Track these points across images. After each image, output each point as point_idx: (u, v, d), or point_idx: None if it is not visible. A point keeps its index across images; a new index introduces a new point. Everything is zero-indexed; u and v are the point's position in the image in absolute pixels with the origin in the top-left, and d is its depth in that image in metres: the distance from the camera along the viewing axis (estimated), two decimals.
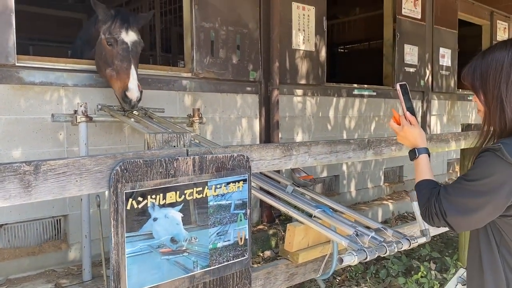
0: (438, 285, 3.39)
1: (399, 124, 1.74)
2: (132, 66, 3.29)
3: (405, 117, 1.72)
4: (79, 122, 3.13)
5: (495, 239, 1.48)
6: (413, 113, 1.73)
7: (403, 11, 6.57)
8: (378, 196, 6.45)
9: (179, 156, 1.56)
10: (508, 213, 1.40)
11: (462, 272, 2.05)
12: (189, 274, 1.62)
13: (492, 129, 1.54)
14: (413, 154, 1.68)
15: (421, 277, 3.46)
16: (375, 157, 2.40)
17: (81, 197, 3.20)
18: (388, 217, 5.54)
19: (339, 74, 11.47)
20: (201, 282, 1.65)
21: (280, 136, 4.95)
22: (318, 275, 2.11)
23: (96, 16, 3.57)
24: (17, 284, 3.20)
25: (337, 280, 3.76)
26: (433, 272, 3.48)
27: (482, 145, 1.57)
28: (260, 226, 4.77)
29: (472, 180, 1.41)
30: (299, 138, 5.31)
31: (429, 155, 1.68)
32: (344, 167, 5.96)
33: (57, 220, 3.58)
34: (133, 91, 3.24)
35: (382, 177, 6.51)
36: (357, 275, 3.80)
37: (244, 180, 1.76)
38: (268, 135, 4.85)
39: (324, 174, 5.70)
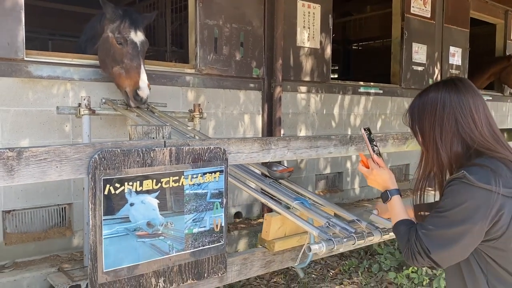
0: (428, 280, 3.45)
1: (367, 167, 1.77)
2: (142, 66, 3.45)
3: (373, 160, 1.76)
4: (82, 115, 3.28)
5: (481, 269, 1.45)
6: (379, 155, 1.78)
7: (412, 10, 6.57)
8: None
9: (156, 147, 1.68)
10: (490, 237, 1.40)
11: None
12: (165, 257, 1.74)
13: (429, 167, 1.58)
14: (386, 196, 1.70)
15: (412, 272, 3.53)
16: (357, 153, 2.48)
17: (84, 186, 3.36)
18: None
19: (353, 72, 11.47)
20: (177, 264, 1.77)
21: (282, 132, 5.05)
22: (296, 264, 2.21)
23: (101, 13, 3.72)
24: (23, 267, 3.39)
25: (330, 273, 3.86)
26: (424, 268, 3.54)
27: (420, 180, 1.62)
28: (261, 220, 4.88)
29: (446, 210, 1.42)
30: (302, 134, 5.39)
31: (401, 195, 1.71)
32: (348, 164, 6.02)
33: (62, 208, 3.76)
34: (144, 90, 3.42)
35: None
36: (350, 269, 3.89)
37: (221, 171, 1.88)
38: (270, 131, 4.95)
39: (328, 170, 5.77)
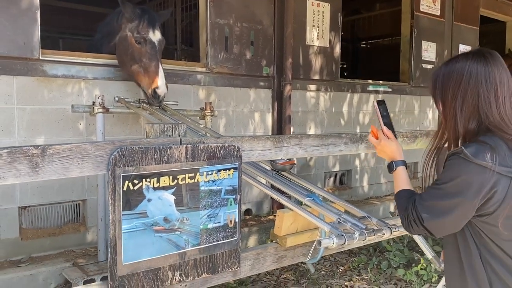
0: (437, 277, 3.48)
1: (377, 138, 1.85)
2: (160, 65, 3.54)
3: (382, 132, 1.83)
4: (96, 113, 3.35)
5: (475, 242, 1.49)
6: (391, 128, 1.85)
7: (421, 8, 6.57)
8: (391, 191, 6.51)
9: (172, 145, 1.74)
10: (483, 212, 1.44)
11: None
12: (181, 251, 1.80)
13: (446, 136, 1.61)
14: (391, 166, 1.78)
15: (421, 269, 3.56)
16: (368, 151, 2.52)
17: (98, 183, 3.43)
18: (393, 211, 5.62)
19: (362, 69, 11.46)
20: (192, 258, 1.83)
21: (292, 130, 5.09)
22: (307, 259, 2.25)
23: (118, 11, 3.79)
24: (39, 262, 3.47)
25: (340, 270, 3.89)
26: (433, 265, 3.56)
27: (435, 148, 1.65)
28: (270, 217, 4.93)
29: (442, 183, 1.48)
30: (311, 132, 5.43)
31: (406, 167, 1.78)
32: (357, 162, 6.04)
33: (76, 204, 3.83)
34: (162, 88, 3.53)
35: None
36: (359, 265, 3.92)
37: (235, 168, 1.93)
38: (280, 129, 5.00)
39: (336, 168, 5.80)
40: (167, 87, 3.59)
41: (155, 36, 3.60)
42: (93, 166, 1.55)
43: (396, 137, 1.85)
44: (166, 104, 3.83)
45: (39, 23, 3.46)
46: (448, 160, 1.49)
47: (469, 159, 1.41)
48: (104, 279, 3.18)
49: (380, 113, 1.88)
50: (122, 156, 1.59)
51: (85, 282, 3.15)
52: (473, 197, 1.41)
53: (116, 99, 3.67)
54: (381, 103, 1.90)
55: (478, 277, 1.48)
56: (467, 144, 1.48)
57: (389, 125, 1.86)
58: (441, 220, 1.47)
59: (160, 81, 3.50)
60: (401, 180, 1.73)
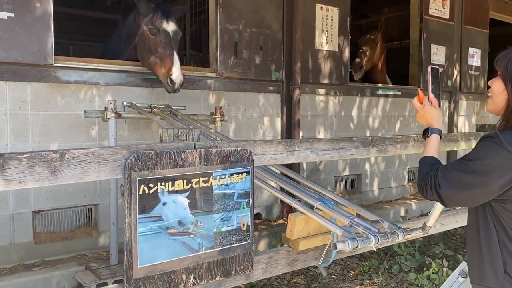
0: None
1: (422, 103, 1.91)
2: (175, 53, 3.60)
3: (428, 99, 1.88)
4: (108, 118, 3.38)
5: (494, 225, 1.60)
6: (437, 96, 1.90)
7: (430, 11, 6.56)
8: (402, 195, 6.49)
9: (186, 149, 1.76)
10: (504, 198, 1.53)
11: (464, 265, 2.13)
12: (195, 254, 1.82)
13: (505, 122, 1.64)
14: (426, 132, 1.85)
15: (433, 273, 3.55)
16: (379, 155, 2.53)
17: (110, 187, 3.46)
18: (403, 215, 5.60)
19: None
20: (206, 261, 1.85)
21: (301, 134, 5.09)
22: (319, 263, 2.26)
23: (135, 13, 3.86)
24: (52, 266, 3.51)
25: (351, 274, 3.89)
26: (444, 269, 3.55)
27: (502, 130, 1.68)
28: (280, 221, 4.94)
29: (469, 160, 1.57)
30: (321, 136, 5.44)
31: (440, 137, 1.85)
32: (367, 166, 6.03)
33: (88, 209, 3.87)
34: (178, 76, 3.55)
35: (406, 177, 6.54)
36: (370, 270, 3.92)
37: (247, 172, 1.95)
38: (289, 133, 5.01)
39: (346, 172, 5.80)
40: (184, 75, 3.60)
41: (169, 26, 3.65)
42: (110, 170, 1.58)
43: (439, 106, 1.90)
44: (177, 109, 3.87)
45: (53, 30, 3.52)
46: (481, 141, 1.56)
47: (501, 144, 1.49)
48: (116, 282, 3.21)
49: (431, 79, 1.89)
50: (138, 161, 1.62)
51: (98, 286, 3.18)
52: (494, 180, 1.49)
53: (125, 104, 3.69)
54: (434, 70, 1.92)
55: (494, 257, 1.59)
56: (503, 131, 1.54)
57: (436, 93, 1.89)
58: (457, 193, 1.56)
59: (175, 69, 3.53)
60: (431, 147, 1.80)
